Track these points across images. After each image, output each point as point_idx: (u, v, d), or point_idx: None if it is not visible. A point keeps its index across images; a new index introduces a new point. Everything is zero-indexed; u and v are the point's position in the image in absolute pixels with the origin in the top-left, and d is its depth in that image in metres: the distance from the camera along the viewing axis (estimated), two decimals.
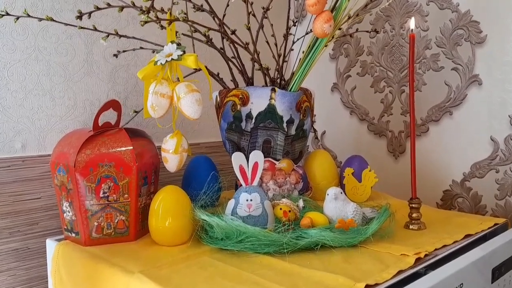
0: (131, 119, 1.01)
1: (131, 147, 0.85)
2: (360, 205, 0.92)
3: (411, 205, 0.90)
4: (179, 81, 0.90)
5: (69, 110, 1.04)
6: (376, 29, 1.15)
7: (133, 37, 0.99)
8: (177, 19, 0.88)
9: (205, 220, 0.79)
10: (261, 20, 0.95)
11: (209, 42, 0.92)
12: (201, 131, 1.28)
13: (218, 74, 1.05)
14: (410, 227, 0.90)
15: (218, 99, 1.03)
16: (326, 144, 1.44)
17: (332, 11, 0.87)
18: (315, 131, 1.32)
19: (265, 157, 0.96)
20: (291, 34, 1.09)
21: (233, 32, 0.96)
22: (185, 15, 0.90)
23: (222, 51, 0.96)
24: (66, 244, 0.87)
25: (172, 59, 0.86)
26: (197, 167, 0.97)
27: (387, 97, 1.28)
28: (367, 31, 1.10)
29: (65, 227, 0.88)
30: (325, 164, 1.03)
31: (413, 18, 0.89)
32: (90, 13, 0.90)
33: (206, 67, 0.99)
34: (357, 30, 1.04)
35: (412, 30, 0.88)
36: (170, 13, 0.90)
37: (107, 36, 0.97)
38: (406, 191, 0.94)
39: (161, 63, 0.86)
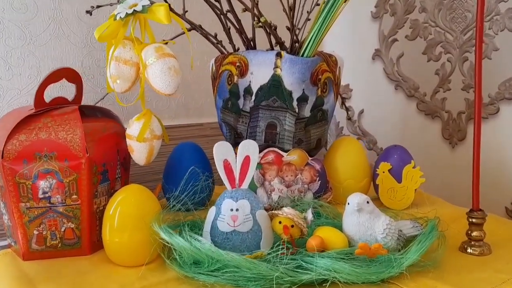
0: (103, 97, 0.79)
1: (80, 132, 0.63)
2: (397, 215, 0.66)
3: (471, 220, 0.64)
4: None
5: (31, 82, 0.83)
6: None
7: None
8: None
9: (164, 240, 0.56)
10: None
11: None
12: (205, 108, 1.05)
13: (216, 35, 0.80)
14: (469, 250, 0.63)
15: (214, 68, 0.79)
16: (364, 127, 1.17)
17: None
18: (347, 110, 1.05)
19: (269, 146, 0.72)
20: None
21: None
22: None
23: (211, 1, 0.71)
24: (5, 255, 0.67)
25: (135, 11, 0.62)
26: (179, 158, 0.74)
27: (444, 67, 0.98)
28: None
29: (5, 233, 0.69)
30: (352, 155, 0.77)
31: None
32: None
33: (196, 26, 0.75)
34: None
35: None
36: None
37: None
38: (464, 191, 0.68)
39: (120, 17, 0.63)
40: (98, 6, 0.82)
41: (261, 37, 0.76)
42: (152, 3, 0.63)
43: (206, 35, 0.78)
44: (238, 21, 0.72)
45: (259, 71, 0.70)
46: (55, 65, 0.85)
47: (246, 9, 0.64)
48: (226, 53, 0.78)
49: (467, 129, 0.96)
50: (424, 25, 1.01)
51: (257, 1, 0.67)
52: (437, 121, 1.01)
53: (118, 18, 0.63)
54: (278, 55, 0.68)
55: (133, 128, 0.66)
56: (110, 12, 0.88)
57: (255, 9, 0.67)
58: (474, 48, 0.65)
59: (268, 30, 0.69)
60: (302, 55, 0.67)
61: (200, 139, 1.04)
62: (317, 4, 0.85)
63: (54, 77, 0.67)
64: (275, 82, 0.68)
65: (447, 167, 0.99)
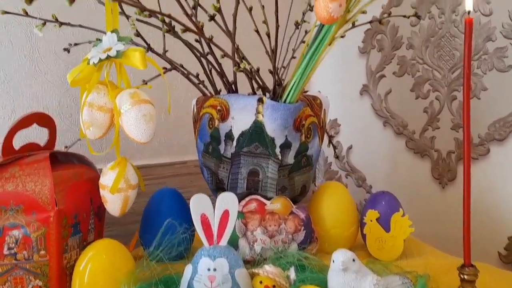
0: (73, 144, 0.75)
1: (49, 183, 0.59)
2: (386, 268, 0.63)
3: (462, 276, 0.60)
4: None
5: (5, 123, 0.80)
6: (418, 14, 0.84)
7: (81, 26, 0.73)
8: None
9: None
10: None
11: (170, 30, 0.64)
12: (189, 145, 1.01)
13: (198, 75, 0.77)
14: None
15: (195, 109, 0.76)
16: (353, 163, 1.14)
17: None
18: (334, 148, 1.02)
19: (252, 194, 0.69)
20: (302, 23, 0.80)
21: (212, 18, 0.67)
22: None
23: (190, 43, 0.69)
24: None
25: (108, 56, 0.59)
26: (157, 208, 0.70)
27: (433, 105, 0.96)
28: (405, 16, 0.79)
29: None
30: (338, 202, 0.73)
31: None
32: None
33: (177, 66, 0.73)
34: (389, 14, 0.73)
35: (469, 13, 0.57)
36: None
37: (44, 24, 0.72)
38: (456, 233, 0.65)
39: (93, 62, 0.60)
40: (76, 44, 0.80)
41: (243, 79, 0.73)
42: (131, 41, 0.61)
43: (187, 75, 0.76)
44: (219, 64, 0.69)
45: (241, 116, 0.67)
46: (31, 104, 0.82)
47: (225, 55, 0.61)
48: (208, 94, 0.76)
49: (457, 169, 0.93)
50: (411, 62, 0.99)
51: (237, 46, 0.65)
52: (426, 160, 0.98)
53: (91, 63, 0.60)
54: (260, 100, 0.65)
55: (106, 178, 0.62)
56: (89, 49, 0.86)
57: (235, 54, 0.65)
58: (462, 87, 0.63)
59: (249, 75, 0.66)
60: (285, 101, 0.65)
61: (183, 178, 1.01)
62: (303, 42, 0.83)
63: (23, 123, 0.64)
64: (257, 129, 0.66)
65: (438, 208, 0.96)
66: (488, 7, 0.86)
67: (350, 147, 1.15)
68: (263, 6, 0.69)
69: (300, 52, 0.72)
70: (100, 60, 0.59)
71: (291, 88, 0.63)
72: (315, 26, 0.59)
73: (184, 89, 0.95)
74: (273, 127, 0.65)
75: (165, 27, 0.63)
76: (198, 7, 0.70)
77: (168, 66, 0.75)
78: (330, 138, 1.02)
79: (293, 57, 0.82)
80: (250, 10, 0.69)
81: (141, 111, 0.60)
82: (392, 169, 1.06)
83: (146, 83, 0.76)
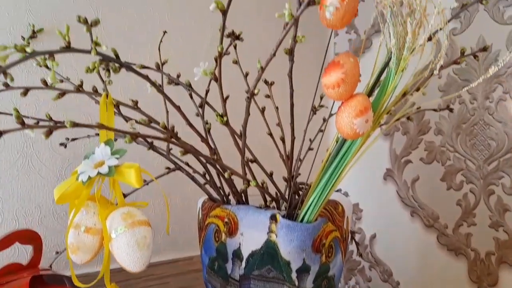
0: (53, 260, 0.67)
1: None
2: None
3: None
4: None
5: None
6: (450, 106, 0.75)
7: (77, 125, 0.67)
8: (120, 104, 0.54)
9: None
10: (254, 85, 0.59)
11: (173, 137, 0.57)
12: (195, 239, 0.92)
13: (205, 174, 0.69)
14: None
15: (200, 214, 0.68)
16: (377, 254, 1.03)
17: (370, 92, 0.50)
18: (357, 245, 0.92)
19: None
20: (320, 108, 0.73)
21: (226, 122, 0.59)
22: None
23: (195, 149, 0.61)
24: None
25: (99, 173, 0.52)
26: None
27: (467, 198, 0.86)
28: (435, 110, 0.71)
29: None
30: None
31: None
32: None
33: (181, 166, 0.65)
34: (418, 109, 0.65)
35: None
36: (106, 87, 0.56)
37: (37, 123, 0.66)
38: None
39: (82, 180, 0.52)
40: (74, 139, 0.74)
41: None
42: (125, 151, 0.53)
43: (192, 176, 0.68)
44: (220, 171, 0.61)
45: (251, 234, 0.58)
46: (21, 204, 0.75)
47: (232, 173, 0.53)
48: (214, 195, 0.67)
49: (499, 273, 0.82)
50: (441, 148, 0.90)
51: (247, 159, 0.57)
52: (462, 259, 0.87)
53: (80, 180, 0.52)
54: (273, 218, 0.56)
55: None
56: (87, 143, 0.79)
57: (245, 168, 0.57)
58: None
59: (260, 190, 0.58)
60: (301, 220, 0.56)
61: (189, 275, 0.91)
62: (321, 130, 0.76)
63: (3, 244, 0.56)
64: (270, 250, 0.56)
65: None
66: None
67: (373, 236, 1.04)
68: (277, 108, 0.62)
69: (317, 143, 0.64)
70: (89, 178, 0.51)
71: (309, 206, 0.55)
72: (335, 140, 0.51)
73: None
74: (288, 249, 0.56)
75: (167, 135, 0.56)
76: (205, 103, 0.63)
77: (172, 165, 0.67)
78: (353, 234, 0.92)
79: (310, 149, 0.74)
80: (262, 111, 0.62)
81: (134, 236, 0.51)
82: (422, 265, 0.94)
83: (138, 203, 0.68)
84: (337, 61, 0.45)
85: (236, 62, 0.62)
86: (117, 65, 0.44)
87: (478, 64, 0.83)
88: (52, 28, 0.76)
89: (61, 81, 0.64)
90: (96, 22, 0.37)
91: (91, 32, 0.38)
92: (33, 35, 0.73)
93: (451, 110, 0.70)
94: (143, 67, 0.64)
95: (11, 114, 0.65)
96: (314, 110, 0.71)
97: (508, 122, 0.80)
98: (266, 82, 0.63)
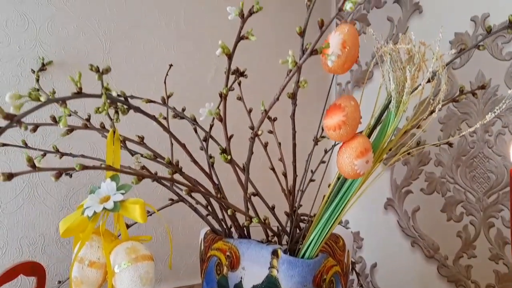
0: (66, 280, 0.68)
1: None
2: None
3: None
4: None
5: None
6: (450, 142, 0.77)
7: (83, 156, 0.68)
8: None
9: None
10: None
11: (177, 172, 0.58)
12: (197, 267, 0.93)
13: (207, 206, 0.70)
14: None
15: (202, 245, 0.68)
16: (378, 283, 1.03)
17: (371, 132, 0.52)
18: (358, 275, 0.92)
19: None
20: (321, 139, 0.74)
21: (228, 161, 0.61)
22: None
23: (198, 182, 0.62)
24: None
25: (104, 208, 0.53)
26: None
27: (467, 230, 0.87)
28: (435, 145, 0.73)
29: None
30: None
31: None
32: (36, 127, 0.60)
33: (184, 197, 0.66)
34: (418, 144, 0.66)
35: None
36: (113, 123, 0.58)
37: (43, 155, 0.67)
38: None
39: (88, 215, 0.53)
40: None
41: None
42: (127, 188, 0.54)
43: (194, 208, 0.69)
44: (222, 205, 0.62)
45: (252, 268, 0.59)
46: (25, 234, 0.75)
47: (235, 210, 0.54)
48: (217, 227, 0.68)
49: None
50: (441, 180, 0.91)
51: (250, 195, 0.58)
52: None
53: (85, 215, 0.53)
54: (274, 253, 0.57)
55: None
56: (93, 172, 0.80)
57: (247, 205, 0.58)
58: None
59: (262, 226, 0.59)
60: (303, 256, 0.57)
61: None
62: (323, 162, 0.77)
63: (6, 277, 0.57)
64: (271, 285, 0.57)
65: None
66: None
67: (374, 265, 1.05)
68: (279, 144, 0.63)
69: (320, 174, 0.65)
70: (95, 213, 0.53)
71: (311, 242, 0.55)
72: (337, 177, 0.53)
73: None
74: (289, 285, 0.56)
75: (170, 169, 0.57)
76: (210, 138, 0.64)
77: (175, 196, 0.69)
78: (353, 265, 0.92)
79: (311, 180, 0.75)
80: (265, 146, 0.63)
81: (137, 271, 0.52)
82: None
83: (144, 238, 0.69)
84: (339, 104, 0.47)
85: (240, 98, 0.64)
86: (125, 106, 0.46)
87: (477, 98, 0.85)
88: (61, 60, 0.78)
89: (69, 115, 0.66)
90: (107, 70, 0.39)
91: (102, 80, 0.39)
92: (43, 67, 0.75)
93: (450, 145, 0.72)
94: (149, 101, 0.66)
95: (19, 146, 0.67)
96: (316, 141, 0.72)
97: (507, 156, 0.81)
98: (269, 118, 0.65)
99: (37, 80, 0.72)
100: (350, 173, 0.48)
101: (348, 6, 0.39)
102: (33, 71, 0.74)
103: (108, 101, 0.41)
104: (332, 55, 0.41)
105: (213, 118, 0.63)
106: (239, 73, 0.63)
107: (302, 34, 0.41)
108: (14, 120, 0.31)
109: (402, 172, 0.99)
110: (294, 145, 0.52)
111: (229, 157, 0.51)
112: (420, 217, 0.95)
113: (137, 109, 0.47)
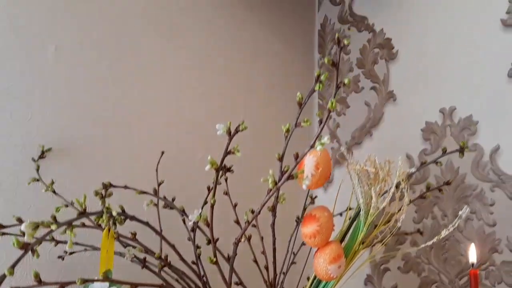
0: None
1: None
2: None
3: None
4: None
5: None
6: (420, 230, 0.83)
7: (77, 243, 0.72)
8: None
9: None
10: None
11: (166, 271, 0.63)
12: None
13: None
14: None
15: None
16: None
17: (342, 238, 0.57)
18: None
19: None
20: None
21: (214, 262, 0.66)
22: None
23: (188, 277, 0.66)
24: None
25: None
26: None
27: None
28: (407, 234, 0.78)
29: None
30: None
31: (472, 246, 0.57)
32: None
33: (179, 274, 0.70)
34: (391, 234, 0.72)
35: (473, 265, 0.56)
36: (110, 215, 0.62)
37: (39, 243, 0.71)
38: None
39: None
40: (72, 253, 0.78)
41: None
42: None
43: None
44: None
45: None
46: None
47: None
48: None
49: None
50: (417, 260, 0.96)
51: (234, 282, 0.63)
52: None
53: None
54: None
55: None
56: (84, 256, 0.84)
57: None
58: None
59: None
60: None
61: None
62: (304, 244, 0.82)
63: None
64: None
65: None
66: (491, 217, 0.85)
67: None
68: (262, 238, 0.68)
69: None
70: None
71: None
72: (313, 278, 0.58)
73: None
74: None
75: (161, 264, 0.62)
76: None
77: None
78: None
79: (293, 263, 0.79)
80: (249, 239, 0.68)
81: None
82: None
83: None
84: (313, 215, 0.53)
85: (226, 193, 0.69)
86: (122, 217, 0.51)
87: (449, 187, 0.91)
88: (60, 147, 0.84)
89: (66, 206, 0.70)
90: (109, 194, 0.44)
91: (104, 202, 0.45)
92: (42, 155, 0.80)
93: (421, 233, 0.77)
94: (142, 192, 0.71)
95: (17, 235, 0.71)
96: (298, 221, 0.77)
97: (475, 241, 0.86)
98: (252, 211, 0.70)
99: (37, 170, 0.77)
100: (325, 276, 0.53)
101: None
102: (34, 160, 0.79)
103: (108, 215, 0.46)
104: (306, 179, 0.47)
105: (202, 207, 0.68)
106: (226, 169, 0.69)
107: (281, 159, 0.47)
108: (28, 248, 0.36)
109: (380, 250, 1.04)
110: (274, 250, 0.57)
111: (214, 260, 0.56)
112: None
113: (133, 218, 0.52)
